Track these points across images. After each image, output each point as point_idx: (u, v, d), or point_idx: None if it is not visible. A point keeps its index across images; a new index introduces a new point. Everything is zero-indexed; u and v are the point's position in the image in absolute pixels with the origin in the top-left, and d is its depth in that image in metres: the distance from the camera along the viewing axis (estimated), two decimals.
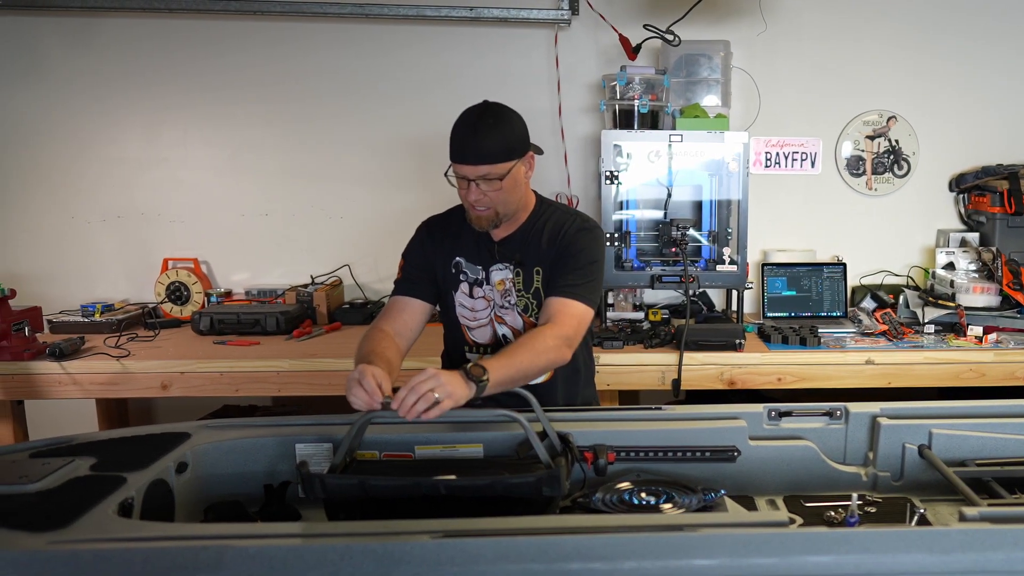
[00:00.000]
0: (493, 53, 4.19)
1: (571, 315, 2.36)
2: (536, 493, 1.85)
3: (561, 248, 2.45)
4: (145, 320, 4.01)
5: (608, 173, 3.65)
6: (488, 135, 2.28)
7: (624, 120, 3.78)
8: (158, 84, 4.18)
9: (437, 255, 2.52)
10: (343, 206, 4.30)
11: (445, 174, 2.39)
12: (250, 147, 4.26)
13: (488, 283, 2.49)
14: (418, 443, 2.12)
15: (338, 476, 1.88)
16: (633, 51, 3.90)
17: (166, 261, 4.18)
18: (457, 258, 2.51)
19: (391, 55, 4.18)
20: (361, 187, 4.29)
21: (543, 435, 2.05)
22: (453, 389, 1.97)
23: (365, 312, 4.06)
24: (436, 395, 1.92)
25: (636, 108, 3.74)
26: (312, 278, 4.26)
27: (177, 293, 4.11)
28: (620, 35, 3.92)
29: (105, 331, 3.81)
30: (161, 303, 4.12)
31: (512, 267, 2.48)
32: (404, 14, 4.04)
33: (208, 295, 4.13)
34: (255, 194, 4.29)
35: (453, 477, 1.87)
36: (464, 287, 2.51)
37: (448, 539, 1.55)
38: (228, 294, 4.22)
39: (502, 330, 2.51)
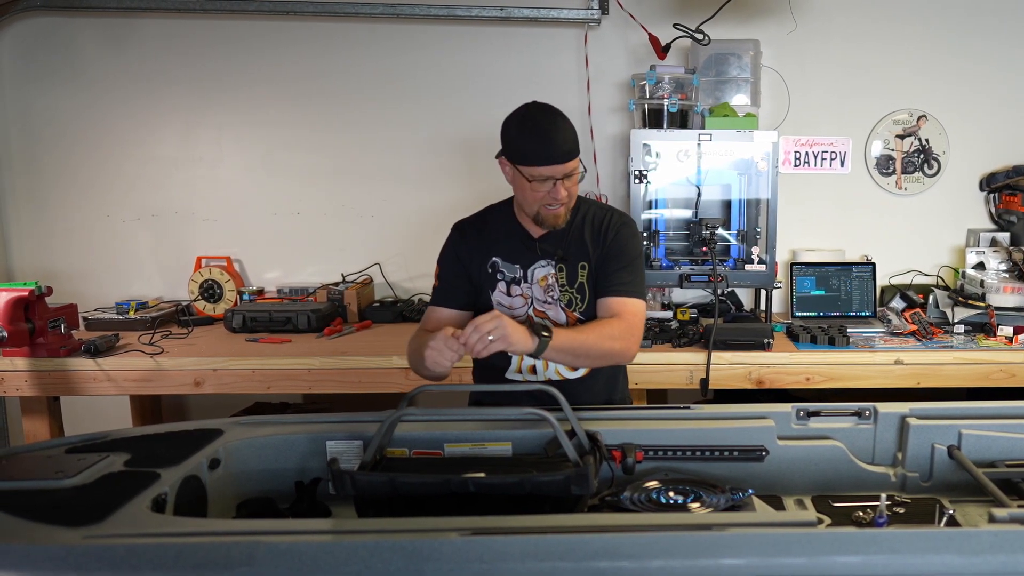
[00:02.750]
0: (523, 53, 4.19)
1: (633, 313, 2.44)
2: (564, 491, 1.84)
3: (608, 244, 2.49)
4: (178, 318, 4.06)
5: (637, 172, 3.65)
6: (566, 132, 2.34)
7: (653, 119, 3.78)
8: (193, 84, 4.22)
9: (472, 258, 2.53)
10: (374, 205, 4.32)
11: (527, 179, 2.36)
12: (283, 146, 4.29)
13: (528, 280, 2.50)
14: (448, 441, 2.12)
15: (368, 473, 1.88)
16: (663, 50, 3.89)
17: (199, 259, 4.22)
18: (494, 258, 2.51)
19: (422, 55, 4.19)
20: (392, 186, 4.30)
21: (572, 434, 2.04)
22: (511, 333, 2.13)
23: (395, 310, 4.08)
24: (491, 336, 2.10)
25: (665, 107, 3.73)
26: (343, 276, 4.29)
27: (210, 291, 4.15)
28: (650, 34, 3.91)
29: (139, 328, 3.85)
30: (194, 301, 4.17)
31: (555, 263, 2.49)
32: (435, 14, 4.06)
33: (240, 293, 4.16)
34: (287, 193, 4.32)
35: (482, 475, 1.87)
36: (502, 286, 2.51)
37: (477, 536, 1.55)
38: (260, 292, 4.25)
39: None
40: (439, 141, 4.25)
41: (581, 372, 2.54)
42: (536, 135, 2.31)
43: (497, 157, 2.45)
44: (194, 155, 4.28)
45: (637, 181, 3.65)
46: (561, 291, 2.50)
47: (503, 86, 4.16)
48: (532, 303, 2.51)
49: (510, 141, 2.37)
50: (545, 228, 2.47)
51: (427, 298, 4.16)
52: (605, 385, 2.61)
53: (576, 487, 1.84)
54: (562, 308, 2.51)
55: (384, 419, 1.97)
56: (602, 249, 2.49)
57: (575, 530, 1.61)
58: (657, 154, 3.74)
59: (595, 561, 1.53)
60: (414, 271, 4.33)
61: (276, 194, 4.31)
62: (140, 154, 4.27)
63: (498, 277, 2.51)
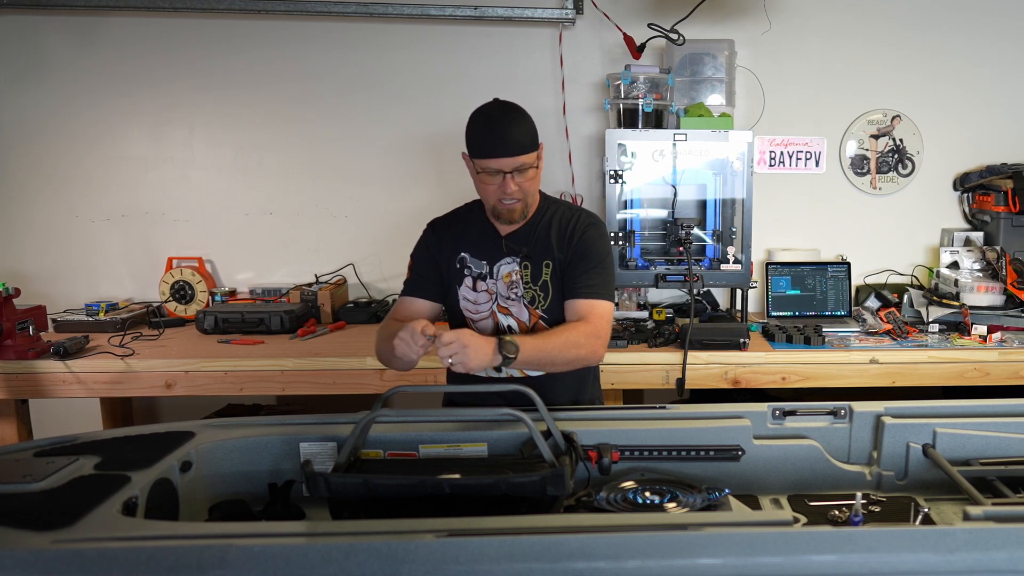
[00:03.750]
0: (497, 52, 4.19)
1: (599, 315, 2.47)
2: (540, 492, 1.85)
3: (574, 245, 2.52)
4: (149, 319, 4.02)
5: (612, 172, 3.65)
6: (517, 126, 2.38)
7: (628, 119, 3.78)
8: (163, 83, 4.18)
9: (442, 253, 2.57)
10: (348, 205, 4.31)
11: (477, 172, 2.43)
12: (255, 146, 4.26)
13: (493, 276, 2.53)
14: (422, 442, 2.13)
15: (342, 475, 1.88)
16: (637, 50, 3.90)
17: (170, 260, 4.19)
18: (462, 253, 2.55)
19: (395, 54, 4.18)
20: (365, 186, 4.29)
21: (547, 434, 2.05)
22: (470, 358, 2.15)
23: (369, 311, 4.06)
24: (449, 360, 2.15)
25: (640, 107, 3.73)
26: (317, 277, 4.27)
27: (181, 292, 4.12)
28: (624, 34, 3.91)
29: (109, 330, 3.81)
30: (165, 302, 4.13)
31: (520, 260, 2.52)
32: (408, 13, 4.04)
33: (212, 294, 4.13)
34: (260, 193, 4.29)
35: (457, 476, 1.87)
36: (468, 281, 2.55)
37: (452, 538, 1.56)
38: (232, 293, 4.22)
39: (507, 321, 2.54)
40: (413, 142, 4.24)
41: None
42: (486, 128, 2.37)
43: (463, 155, 2.49)
44: (165, 155, 4.25)
45: (612, 181, 3.65)
46: (525, 288, 2.52)
47: (478, 86, 4.14)
48: (496, 299, 2.53)
49: (467, 135, 2.43)
50: (503, 223, 2.51)
51: None
52: (572, 382, 2.62)
53: (552, 488, 1.84)
54: (525, 305, 2.53)
55: (358, 420, 1.97)
56: (568, 250, 2.52)
57: (551, 531, 1.61)
58: (633, 154, 3.75)
59: (571, 562, 1.53)
60: (388, 271, 4.31)
61: (248, 194, 4.29)
62: (110, 154, 4.23)
63: (465, 272, 2.55)
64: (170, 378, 3.39)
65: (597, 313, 2.46)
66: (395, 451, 2.11)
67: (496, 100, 2.45)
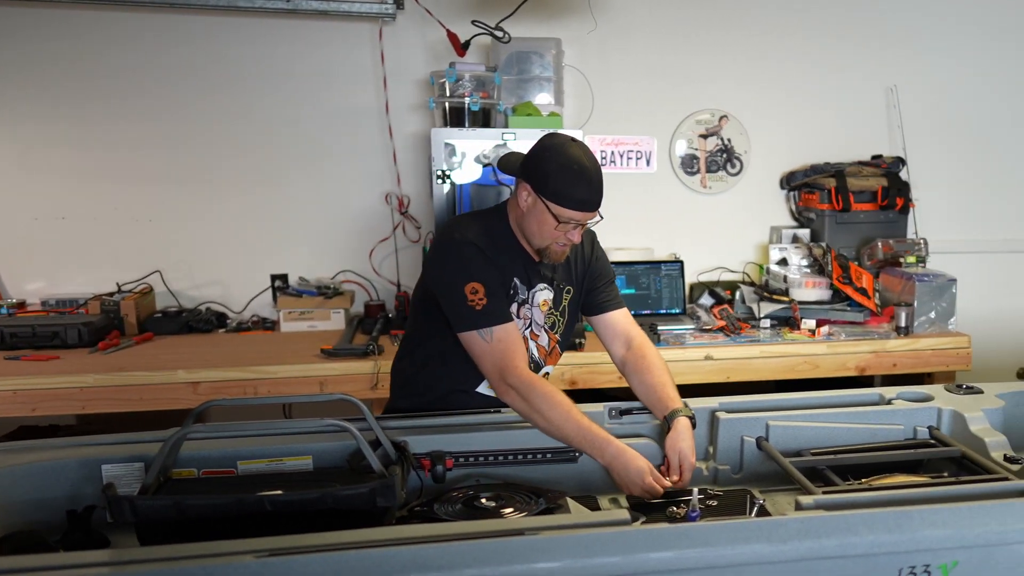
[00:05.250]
0: (314, 48, 4.13)
1: (633, 323, 2.62)
2: (370, 504, 1.82)
3: (592, 263, 2.59)
4: None
5: (440, 172, 3.65)
6: (601, 181, 2.32)
7: (455, 118, 3.79)
8: None
9: (498, 276, 2.40)
10: (152, 208, 4.14)
11: (553, 217, 2.30)
12: (44, 144, 4.05)
13: (530, 303, 2.47)
14: (241, 458, 2.07)
15: (150, 497, 1.80)
16: (462, 47, 3.91)
17: None
18: (514, 279, 2.43)
19: (202, 48, 4.06)
20: (171, 188, 4.14)
21: (376, 443, 2.03)
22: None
23: (180, 321, 3.94)
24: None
25: (467, 106, 3.75)
26: (119, 286, 4.07)
27: None
28: (448, 31, 3.92)
29: None
30: None
31: (551, 287, 2.50)
32: (214, 4, 3.92)
33: None
34: (50, 195, 4.08)
35: (279, 492, 1.82)
36: (513, 308, 2.43)
37: (274, 557, 1.52)
38: (22, 305, 3.99)
39: (532, 348, 2.48)
40: (224, 141, 4.13)
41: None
42: (584, 182, 2.28)
43: (520, 180, 2.36)
44: None
45: (440, 181, 3.66)
46: (547, 315, 2.51)
47: (295, 83, 4.09)
48: (531, 325, 2.47)
49: (548, 176, 2.27)
50: (546, 261, 2.44)
51: (216, 307, 4.10)
52: None
53: (382, 499, 1.82)
54: (546, 330, 2.51)
55: (167, 438, 1.89)
56: (586, 267, 2.57)
57: (382, 544, 1.60)
58: (462, 153, 3.76)
59: (404, 575, 1.51)
60: (200, 279, 4.19)
61: (36, 197, 4.07)
62: None
63: (515, 299, 2.44)
64: None
65: (632, 320, 2.62)
66: (211, 469, 2.04)
67: (576, 142, 2.33)
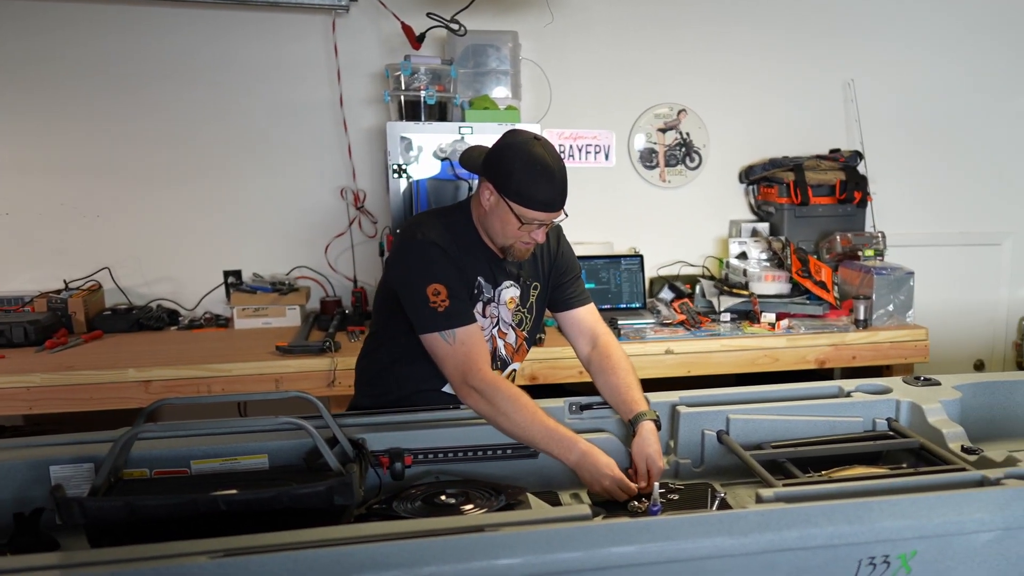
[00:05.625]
0: (266, 40, 4.09)
1: (600, 319, 2.64)
2: (327, 503, 1.80)
3: (558, 258, 2.58)
4: None
5: (396, 166, 3.64)
6: (565, 181, 2.30)
7: (411, 112, 3.78)
8: None
9: (462, 275, 2.38)
10: (99, 204, 4.08)
11: (516, 217, 2.29)
12: None
13: (496, 301, 2.45)
14: (194, 457, 2.04)
15: (100, 498, 1.77)
16: (417, 40, 3.90)
17: None
18: (478, 278, 2.41)
19: (150, 39, 4.00)
20: (119, 183, 4.08)
21: (334, 441, 2.01)
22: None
23: (130, 319, 3.90)
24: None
25: (423, 99, 3.74)
26: (66, 283, 4.01)
27: None
28: (402, 23, 3.91)
29: None
30: None
31: (517, 284, 2.48)
32: None
33: None
34: None
35: (234, 492, 1.80)
36: (479, 307, 2.42)
37: (230, 558, 1.50)
38: None
39: (500, 346, 2.48)
40: (175, 134, 4.08)
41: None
42: (548, 183, 2.25)
43: (482, 178, 2.33)
44: None
45: (396, 175, 3.64)
46: (514, 312, 2.49)
47: (245, 76, 4.05)
48: (498, 323, 2.46)
49: (511, 176, 2.25)
50: (510, 259, 2.41)
51: (168, 304, 4.05)
52: None
53: (339, 497, 1.80)
54: (513, 328, 2.50)
55: (118, 438, 1.86)
56: (552, 262, 2.56)
57: (339, 542, 1.58)
58: (419, 147, 3.74)
59: (362, 573, 1.51)
60: (151, 275, 4.15)
61: None
62: None
63: (480, 298, 2.42)
64: None
65: (598, 316, 2.64)
66: (163, 469, 2.02)
67: (540, 141, 2.29)
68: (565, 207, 2.33)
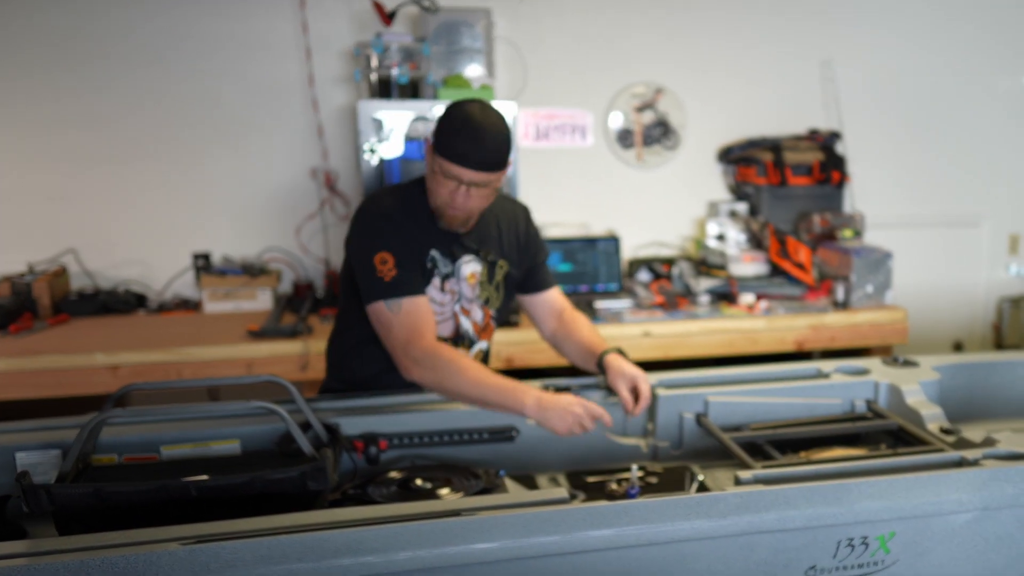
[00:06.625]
0: (232, 17, 4.05)
1: (566, 298, 2.69)
2: (301, 488, 1.81)
3: (527, 243, 2.59)
4: None
5: (368, 147, 3.62)
6: (496, 144, 2.26)
7: (383, 90, 3.76)
8: None
9: (414, 247, 2.38)
10: (63, 185, 4.05)
11: (435, 168, 2.29)
12: None
13: (456, 276, 2.43)
14: (164, 443, 2.04)
15: (68, 485, 1.76)
16: (388, 17, 3.87)
17: None
18: (432, 251, 2.40)
19: (110, 17, 3.96)
20: (84, 165, 4.05)
21: (307, 426, 2.02)
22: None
23: (97, 302, 3.89)
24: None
25: (395, 78, 3.72)
26: (30, 266, 3.99)
27: None
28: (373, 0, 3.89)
29: None
30: None
31: (480, 260, 2.46)
32: None
33: None
34: None
35: (205, 477, 1.80)
36: (436, 281, 2.41)
37: (201, 544, 1.50)
38: None
39: (466, 324, 2.47)
40: (141, 115, 4.04)
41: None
42: (465, 133, 2.23)
43: (426, 141, 2.35)
44: None
45: (368, 155, 3.63)
46: (481, 289, 2.48)
47: (211, 53, 4.02)
48: (460, 299, 2.45)
49: (440, 129, 2.27)
50: (443, 227, 2.39)
51: (136, 287, 4.02)
52: None
53: (313, 482, 1.81)
54: (480, 306, 2.49)
55: (85, 423, 1.85)
56: (524, 249, 2.57)
57: (314, 528, 1.59)
58: (392, 128, 3.73)
59: (337, 559, 1.51)
60: (119, 257, 4.12)
61: None
62: None
63: (435, 272, 2.40)
64: None
65: (564, 296, 2.69)
66: (133, 455, 2.01)
67: (482, 103, 2.29)
68: (490, 171, 2.27)
